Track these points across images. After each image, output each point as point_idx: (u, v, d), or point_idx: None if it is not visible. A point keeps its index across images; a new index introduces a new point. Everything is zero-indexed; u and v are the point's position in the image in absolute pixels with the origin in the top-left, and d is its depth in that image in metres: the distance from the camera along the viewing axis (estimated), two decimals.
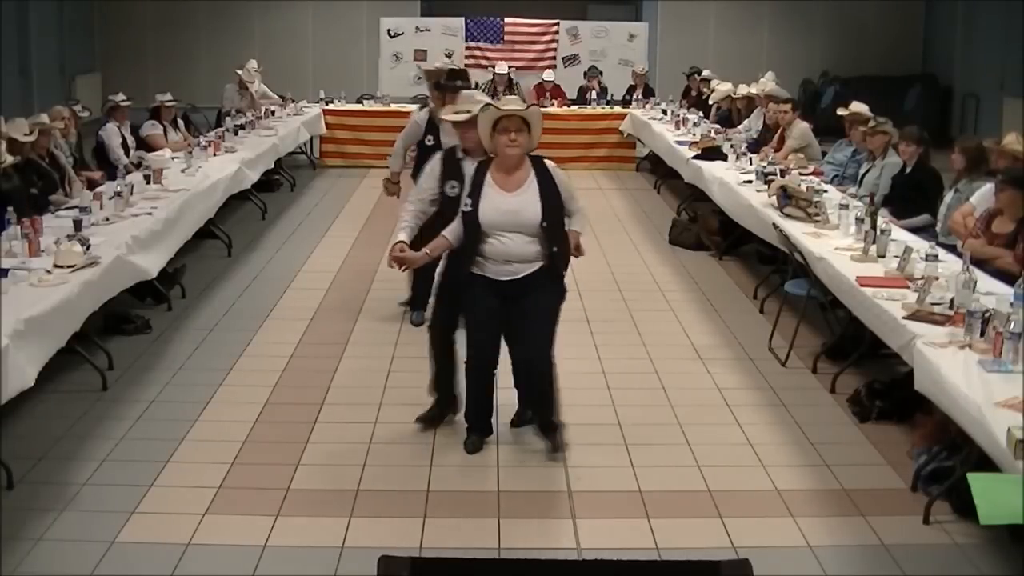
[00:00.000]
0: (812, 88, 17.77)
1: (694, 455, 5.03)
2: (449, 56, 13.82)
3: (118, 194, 7.15)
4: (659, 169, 12.61)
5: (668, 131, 11.90)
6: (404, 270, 5.27)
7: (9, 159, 6.76)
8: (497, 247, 4.72)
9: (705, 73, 14.40)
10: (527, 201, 4.72)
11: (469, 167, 5.05)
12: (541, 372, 4.89)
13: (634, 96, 14.39)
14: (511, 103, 4.86)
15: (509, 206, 4.72)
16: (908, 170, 7.68)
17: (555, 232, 4.75)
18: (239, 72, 12.72)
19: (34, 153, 7.61)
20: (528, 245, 4.72)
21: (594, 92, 14.44)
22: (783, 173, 8.27)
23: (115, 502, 4.42)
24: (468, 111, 5.08)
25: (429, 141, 6.70)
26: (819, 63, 18.21)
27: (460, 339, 5.17)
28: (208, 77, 16.74)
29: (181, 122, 10.79)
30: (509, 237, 4.71)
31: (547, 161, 4.87)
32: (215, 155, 9.47)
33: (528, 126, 4.72)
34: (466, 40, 15.84)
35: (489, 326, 4.85)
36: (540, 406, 5.04)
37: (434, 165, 5.31)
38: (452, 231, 4.87)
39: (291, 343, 6.59)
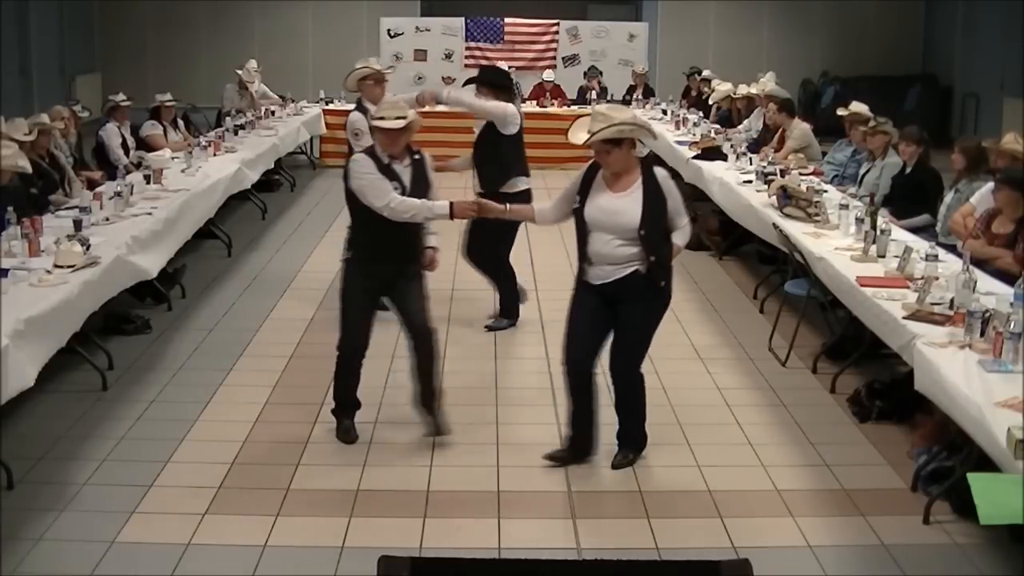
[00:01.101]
0: (812, 88, 17.77)
1: (694, 455, 5.02)
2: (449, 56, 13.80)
3: (118, 194, 7.15)
4: None
5: (668, 131, 11.88)
6: (476, 214, 5.19)
7: (23, 165, 6.69)
8: (597, 247, 4.69)
9: (705, 73, 14.41)
10: (629, 205, 4.65)
11: (400, 168, 5.01)
12: (625, 382, 4.86)
13: (634, 96, 14.40)
14: (598, 122, 4.59)
15: (612, 206, 4.67)
16: (908, 170, 7.68)
17: (654, 241, 4.67)
18: (239, 72, 12.72)
19: (34, 153, 7.61)
20: (622, 248, 4.65)
21: (594, 92, 14.43)
22: (783, 173, 8.27)
23: (115, 502, 4.42)
24: (402, 117, 4.92)
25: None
26: (819, 63, 18.21)
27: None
28: (208, 77, 16.74)
29: (181, 122, 10.80)
30: (607, 238, 4.65)
31: (659, 170, 4.80)
32: (215, 155, 9.47)
33: (615, 143, 4.60)
34: (466, 40, 15.85)
35: (582, 325, 4.80)
36: (624, 416, 4.95)
37: (370, 166, 4.99)
38: (541, 208, 5.06)
39: (291, 343, 6.59)
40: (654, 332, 4.84)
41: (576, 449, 4.91)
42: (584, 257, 4.75)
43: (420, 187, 5.07)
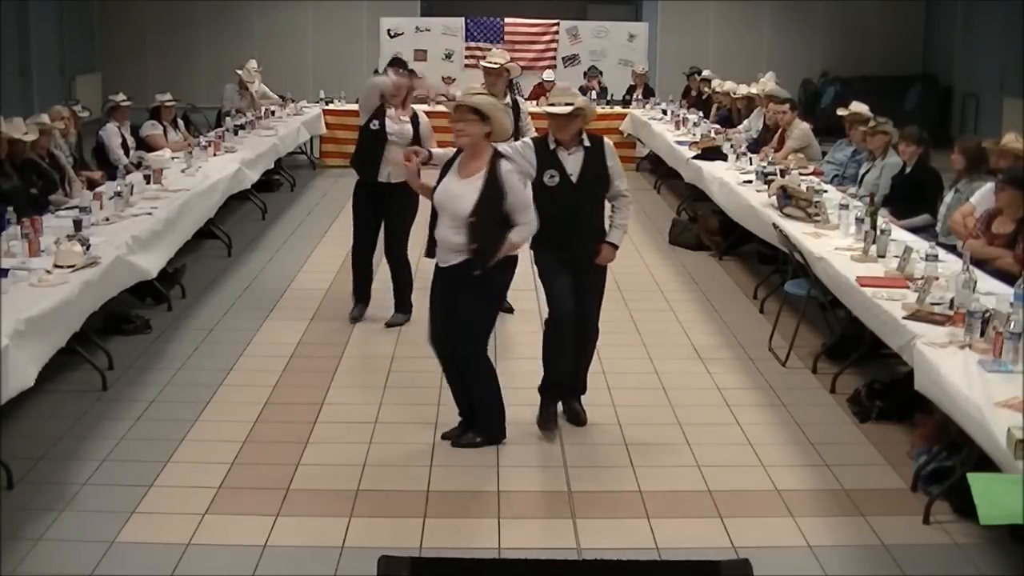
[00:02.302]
0: (812, 88, 17.77)
1: (694, 455, 5.02)
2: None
3: (118, 194, 7.14)
4: (659, 169, 12.61)
5: (668, 131, 11.90)
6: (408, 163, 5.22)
7: None
8: (439, 231, 4.85)
9: (705, 73, 14.42)
10: (468, 191, 4.77)
11: (565, 156, 5.13)
12: (460, 359, 4.99)
13: (634, 96, 14.40)
14: (469, 92, 4.89)
15: (455, 191, 4.81)
16: (908, 170, 7.68)
17: (481, 230, 4.75)
18: (239, 72, 12.71)
19: (34, 153, 7.61)
20: (455, 235, 4.78)
21: (594, 92, 14.41)
22: (783, 173, 8.28)
23: (115, 502, 4.42)
24: (570, 103, 5.04)
25: (374, 125, 6.74)
26: (819, 63, 18.22)
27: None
28: (208, 77, 16.74)
29: (181, 122, 10.79)
30: (447, 222, 4.80)
31: (505, 163, 4.84)
32: (215, 155, 9.47)
33: (480, 115, 4.74)
34: (466, 40, 15.84)
35: (439, 309, 4.95)
36: (469, 398, 5.08)
37: (528, 155, 5.16)
38: (439, 156, 5.16)
39: (291, 343, 6.59)
40: (487, 315, 4.99)
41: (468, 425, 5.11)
42: (435, 236, 4.88)
43: (589, 176, 5.13)
